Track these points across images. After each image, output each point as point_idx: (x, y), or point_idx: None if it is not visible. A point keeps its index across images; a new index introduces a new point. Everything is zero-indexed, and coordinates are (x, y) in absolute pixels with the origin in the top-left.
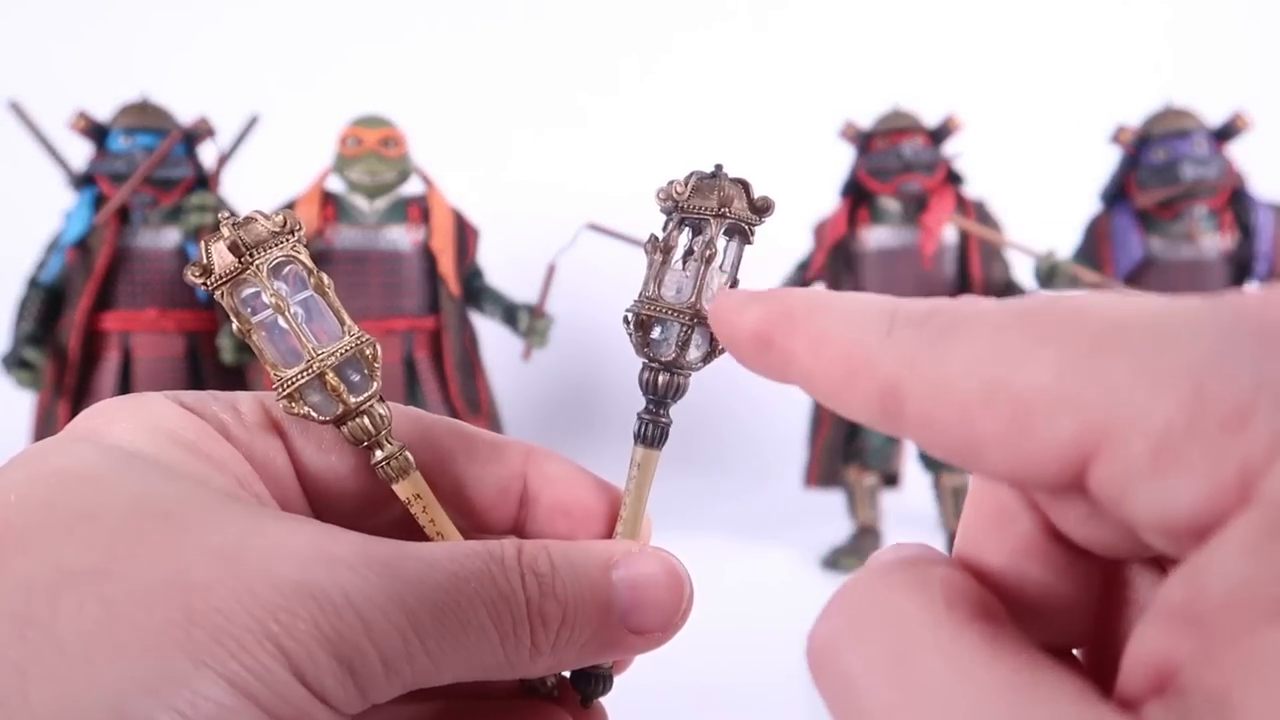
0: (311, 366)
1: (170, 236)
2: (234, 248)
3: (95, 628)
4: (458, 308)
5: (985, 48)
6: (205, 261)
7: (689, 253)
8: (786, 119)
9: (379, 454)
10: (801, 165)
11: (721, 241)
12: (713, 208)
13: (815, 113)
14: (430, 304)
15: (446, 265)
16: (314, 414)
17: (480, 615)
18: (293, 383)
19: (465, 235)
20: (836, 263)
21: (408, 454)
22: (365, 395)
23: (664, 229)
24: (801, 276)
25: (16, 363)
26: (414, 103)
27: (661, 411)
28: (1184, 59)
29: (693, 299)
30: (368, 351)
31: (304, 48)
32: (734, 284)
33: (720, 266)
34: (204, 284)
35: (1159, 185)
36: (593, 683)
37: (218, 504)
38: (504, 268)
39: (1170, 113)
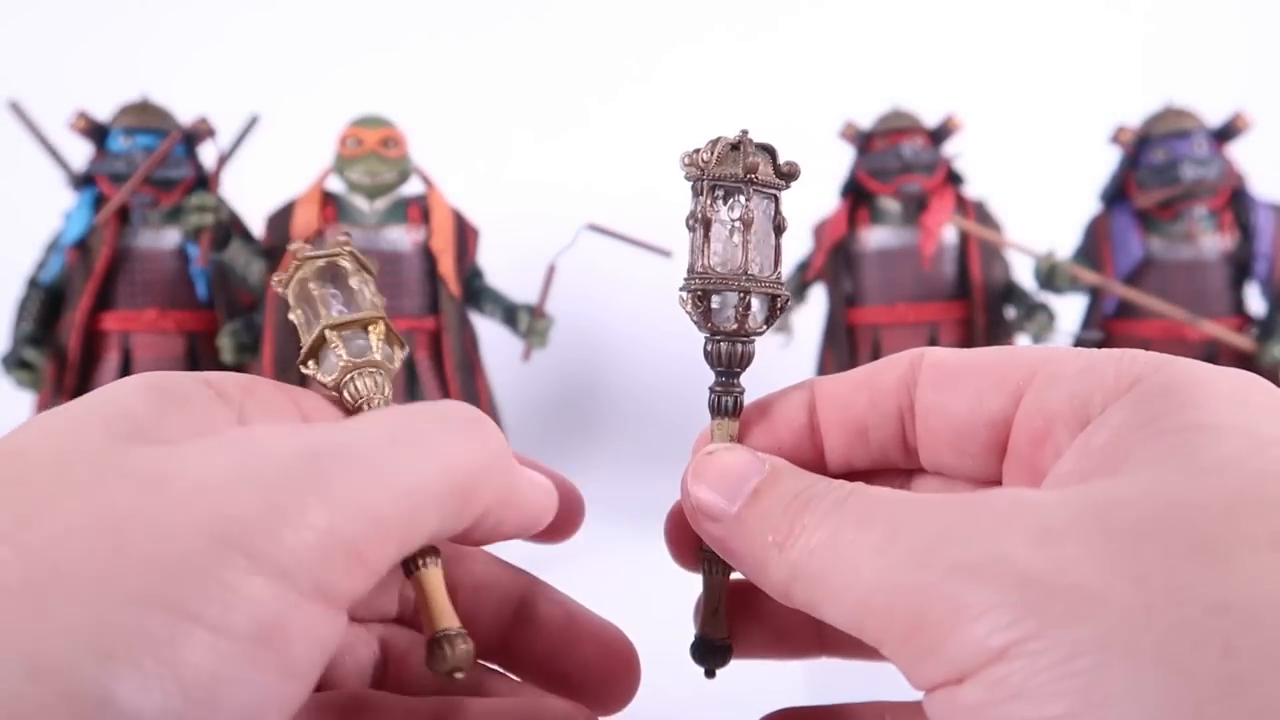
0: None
1: (170, 237)
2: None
3: (10, 579)
4: (458, 308)
5: (985, 48)
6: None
7: (732, 222)
8: (786, 119)
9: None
10: (801, 165)
11: (754, 203)
12: (739, 175)
13: (815, 113)
14: (430, 305)
15: (447, 266)
16: (343, 358)
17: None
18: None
19: (465, 236)
20: (836, 263)
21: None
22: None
23: (694, 198)
24: (801, 277)
25: (16, 363)
26: (414, 103)
27: (733, 381)
28: (1183, 59)
29: (743, 265)
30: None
31: (304, 49)
32: (778, 246)
33: (765, 228)
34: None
35: (1159, 185)
36: (714, 654)
37: (149, 444)
38: (504, 268)
39: (1170, 113)
